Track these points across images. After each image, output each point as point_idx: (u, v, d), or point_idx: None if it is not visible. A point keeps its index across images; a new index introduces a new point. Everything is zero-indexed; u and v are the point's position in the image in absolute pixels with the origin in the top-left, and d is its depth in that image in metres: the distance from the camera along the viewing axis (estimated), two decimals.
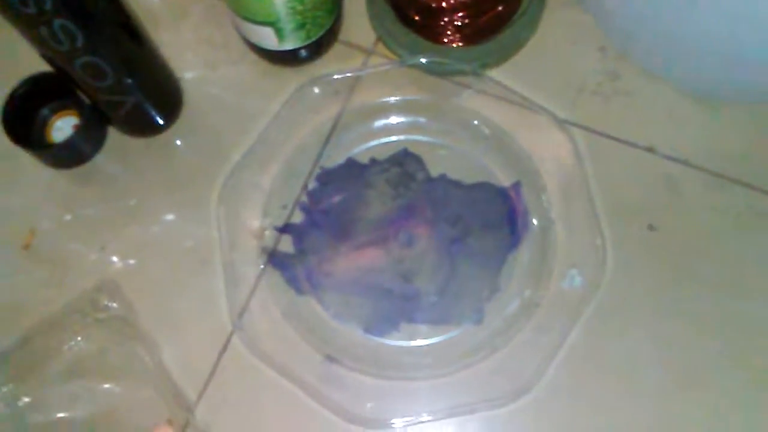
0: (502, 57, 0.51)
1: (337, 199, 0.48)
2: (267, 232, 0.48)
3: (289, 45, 0.48)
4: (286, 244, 0.49)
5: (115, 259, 0.49)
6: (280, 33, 0.47)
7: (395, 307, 0.46)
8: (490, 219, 0.47)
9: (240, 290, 0.46)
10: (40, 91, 0.49)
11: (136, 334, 0.46)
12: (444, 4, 0.46)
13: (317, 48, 0.51)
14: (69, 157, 0.50)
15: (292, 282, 0.47)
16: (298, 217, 0.49)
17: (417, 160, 0.49)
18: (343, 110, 0.50)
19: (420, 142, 0.50)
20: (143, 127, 0.51)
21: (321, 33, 0.49)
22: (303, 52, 0.50)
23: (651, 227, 0.47)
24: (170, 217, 0.50)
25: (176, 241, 0.49)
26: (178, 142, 0.52)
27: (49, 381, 0.45)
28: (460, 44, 0.50)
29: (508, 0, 0.49)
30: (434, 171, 0.49)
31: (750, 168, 0.48)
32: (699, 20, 0.44)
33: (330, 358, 0.45)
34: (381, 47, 0.52)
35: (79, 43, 0.39)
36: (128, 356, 0.46)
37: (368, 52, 0.53)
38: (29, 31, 0.38)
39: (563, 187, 0.47)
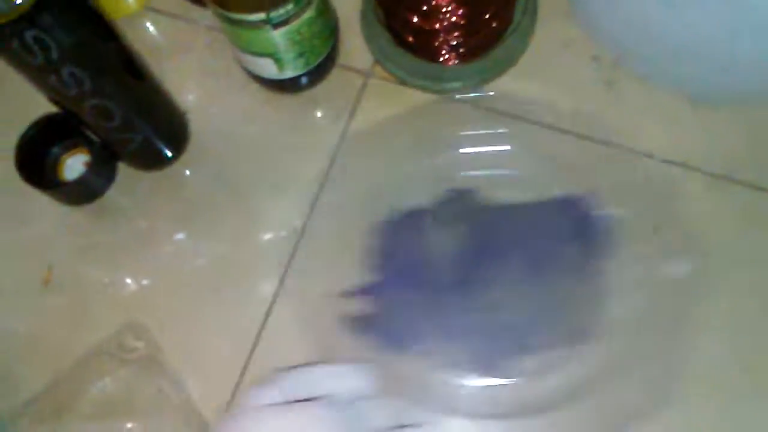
0: (497, 72, 0.52)
1: (403, 251, 0.48)
2: (344, 299, 0.47)
3: (289, 73, 0.49)
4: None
5: (133, 288, 0.51)
6: (279, 63, 0.48)
7: (501, 343, 0.45)
8: (563, 232, 0.47)
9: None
10: (50, 132, 0.51)
11: (162, 372, 0.47)
12: (437, 26, 0.47)
13: (317, 74, 0.52)
14: (81, 193, 0.52)
15: (389, 343, 0.46)
16: (369, 277, 0.48)
17: (470, 192, 0.49)
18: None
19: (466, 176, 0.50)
20: (152, 161, 0.52)
21: (320, 59, 0.50)
22: (303, 79, 0.51)
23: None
24: (185, 245, 0.52)
25: (191, 271, 0.51)
26: (187, 173, 0.53)
27: (78, 422, 0.46)
28: (456, 62, 0.51)
29: (500, 16, 0.50)
30: (490, 198, 0.48)
31: (750, 167, 0.48)
32: (688, 26, 0.45)
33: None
34: (379, 69, 0.54)
35: (87, 87, 0.41)
36: (155, 394, 0.47)
37: (366, 75, 0.54)
38: (38, 79, 0.40)
39: None
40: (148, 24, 0.58)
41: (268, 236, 0.51)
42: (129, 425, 0.46)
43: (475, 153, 0.50)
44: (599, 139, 0.50)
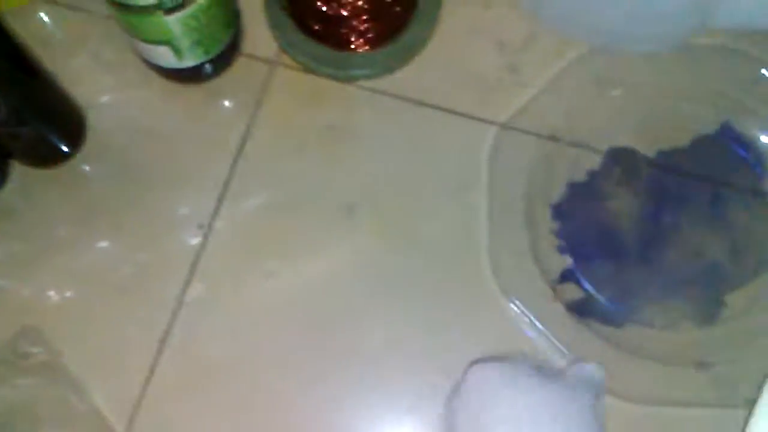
0: (404, 59, 0.51)
1: (587, 225, 0.48)
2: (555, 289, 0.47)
3: (189, 62, 0.48)
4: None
5: (29, 293, 0.48)
6: (177, 51, 0.46)
7: (710, 286, 0.46)
8: (728, 164, 0.48)
9: None
10: None
11: (64, 379, 0.45)
12: (341, 11, 0.46)
13: (220, 62, 0.50)
14: None
15: (608, 320, 0.46)
16: (564, 263, 0.47)
17: (627, 150, 0.49)
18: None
19: None
20: (46, 157, 0.50)
21: (221, 48, 0.49)
22: (206, 68, 0.50)
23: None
24: (85, 245, 0.49)
25: (92, 273, 0.48)
26: (87, 169, 0.51)
27: None
28: (363, 49, 0.51)
29: (404, 1, 0.49)
30: (646, 151, 0.49)
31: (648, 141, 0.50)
32: None
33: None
34: (285, 58, 0.52)
35: None
36: (58, 402, 0.45)
37: (273, 64, 0.53)
38: None
39: None
40: (42, 15, 0.55)
41: (173, 234, 0.50)
42: None
43: None
44: (501, 123, 0.50)
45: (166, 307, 0.47)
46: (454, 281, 0.47)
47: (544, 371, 0.42)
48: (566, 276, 0.47)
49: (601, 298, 0.47)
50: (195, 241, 0.49)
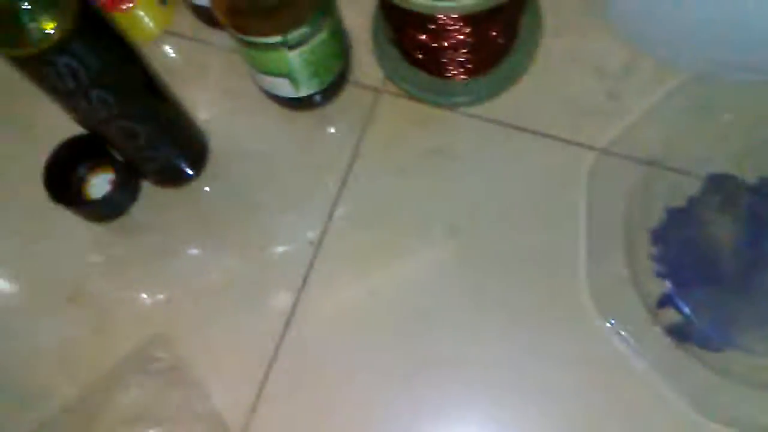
0: (504, 86, 0.54)
1: (686, 251, 0.48)
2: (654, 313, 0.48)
3: (304, 92, 0.52)
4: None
5: (156, 302, 0.53)
6: (295, 82, 0.50)
7: None
8: None
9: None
10: (76, 152, 0.53)
11: (186, 382, 0.49)
12: (445, 43, 0.49)
13: (330, 91, 0.54)
14: (106, 211, 0.54)
15: (707, 345, 0.46)
16: (661, 286, 0.48)
17: (727, 177, 0.49)
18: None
19: None
20: (174, 179, 0.54)
21: (333, 78, 0.52)
22: (317, 97, 0.53)
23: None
24: (204, 260, 0.54)
25: (210, 284, 0.52)
26: (207, 189, 0.56)
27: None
28: (464, 77, 0.53)
29: (506, 33, 0.52)
30: (746, 177, 0.49)
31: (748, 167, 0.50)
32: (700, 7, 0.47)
33: None
34: (389, 85, 0.56)
35: (114, 109, 0.43)
36: (181, 404, 0.49)
37: (378, 91, 0.56)
38: (68, 103, 0.42)
39: None
40: (168, 47, 0.60)
41: (284, 250, 0.53)
42: None
43: None
44: (601, 148, 0.52)
45: (280, 316, 0.51)
46: (552, 304, 0.49)
47: None
48: (665, 301, 0.48)
49: (699, 324, 0.47)
50: (305, 257, 0.52)
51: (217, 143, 0.56)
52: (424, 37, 0.50)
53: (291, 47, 0.46)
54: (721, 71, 0.51)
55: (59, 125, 0.48)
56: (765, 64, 0.50)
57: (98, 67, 0.40)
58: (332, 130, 0.56)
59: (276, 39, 0.45)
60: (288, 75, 0.49)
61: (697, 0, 0.47)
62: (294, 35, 0.45)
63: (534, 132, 0.53)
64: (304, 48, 0.47)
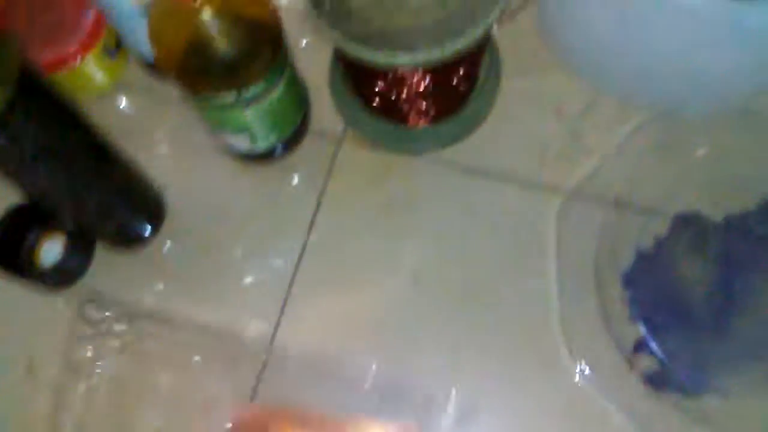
0: (466, 131, 0.53)
1: (658, 293, 0.47)
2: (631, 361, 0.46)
3: (262, 146, 0.50)
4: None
5: (114, 371, 0.50)
6: (252, 137, 0.49)
7: None
8: None
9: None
10: (25, 219, 0.50)
11: None
12: (404, 94, 0.48)
13: (290, 142, 0.53)
14: (60, 278, 0.51)
15: (685, 390, 0.46)
16: (636, 332, 0.47)
17: (694, 215, 0.49)
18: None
19: None
20: (130, 241, 0.52)
21: (293, 129, 0.51)
22: (277, 149, 0.52)
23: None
24: (169, 319, 0.51)
25: (175, 345, 0.50)
26: (166, 248, 0.53)
27: None
28: (426, 125, 0.52)
29: (467, 79, 0.51)
30: (713, 215, 0.49)
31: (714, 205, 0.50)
32: (653, 44, 0.47)
33: None
34: (350, 134, 0.54)
35: (61, 180, 0.41)
36: None
37: (339, 140, 0.55)
38: (12, 176, 0.40)
39: None
40: (119, 101, 0.58)
41: (250, 308, 0.51)
42: None
43: None
44: (566, 191, 0.51)
45: (252, 372, 0.49)
46: (524, 351, 0.48)
47: None
48: (640, 346, 0.47)
49: (675, 368, 0.46)
50: (271, 311, 0.50)
51: (175, 199, 0.54)
52: (382, 86, 0.49)
53: (247, 103, 0.45)
54: (680, 108, 0.50)
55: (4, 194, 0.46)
56: (726, 97, 0.50)
57: (43, 139, 0.38)
58: (294, 182, 0.55)
59: (230, 97, 0.44)
60: (244, 130, 0.48)
61: (650, 39, 0.47)
62: (249, 92, 0.44)
63: (498, 176, 0.52)
64: (261, 103, 0.45)
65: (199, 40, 0.41)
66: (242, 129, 0.47)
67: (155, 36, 0.42)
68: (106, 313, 0.51)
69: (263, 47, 0.43)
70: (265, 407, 0.46)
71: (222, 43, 0.41)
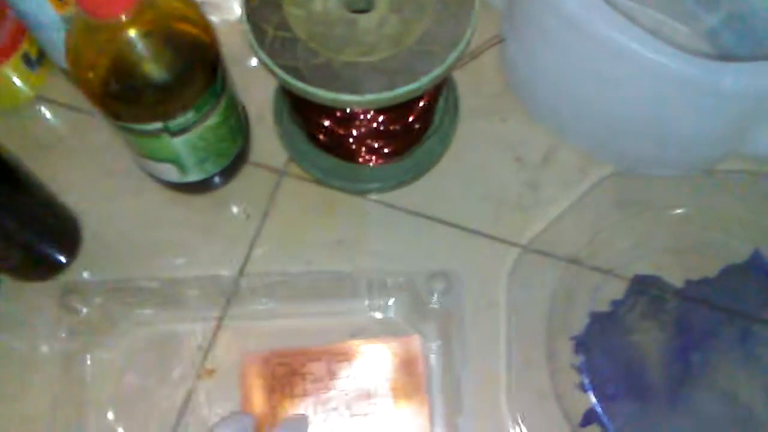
0: (418, 172, 0.49)
1: (610, 361, 0.45)
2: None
3: (193, 177, 0.45)
4: None
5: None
6: (181, 168, 0.44)
7: (742, 430, 0.43)
8: (759, 297, 0.46)
9: None
10: None
11: None
12: (354, 132, 0.44)
13: (227, 173, 0.48)
14: None
15: None
16: (587, 402, 0.44)
17: (652, 278, 0.46)
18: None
19: None
20: (41, 271, 0.47)
21: (227, 162, 0.46)
22: (212, 180, 0.47)
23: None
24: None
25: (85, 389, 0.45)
26: (85, 276, 0.48)
27: None
28: (376, 163, 0.48)
29: (422, 118, 0.47)
30: (672, 279, 0.46)
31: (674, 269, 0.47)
32: (621, 102, 0.44)
33: None
34: (293, 167, 0.50)
35: None
36: None
37: (280, 173, 0.50)
38: None
39: None
40: (40, 115, 0.53)
41: (178, 344, 0.46)
42: None
43: None
44: (522, 244, 0.48)
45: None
46: (468, 420, 0.44)
47: None
48: (589, 417, 0.44)
49: None
50: (201, 344, 0.46)
51: (96, 226, 0.49)
52: (329, 123, 0.45)
53: (174, 134, 0.40)
54: (646, 166, 0.48)
55: None
56: (692, 160, 0.47)
57: None
58: (231, 213, 0.50)
59: (156, 126, 0.39)
60: (173, 161, 0.43)
61: (617, 94, 0.44)
62: (177, 122, 0.39)
63: (449, 224, 0.49)
64: (191, 134, 0.41)
65: (122, 63, 0.37)
66: (169, 159, 0.43)
67: (73, 55, 0.37)
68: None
69: (196, 72, 0.39)
70: (269, 351, 0.44)
71: (148, 67, 0.37)
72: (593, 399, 0.44)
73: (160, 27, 0.36)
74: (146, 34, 0.36)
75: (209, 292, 0.46)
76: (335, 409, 0.43)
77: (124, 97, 0.38)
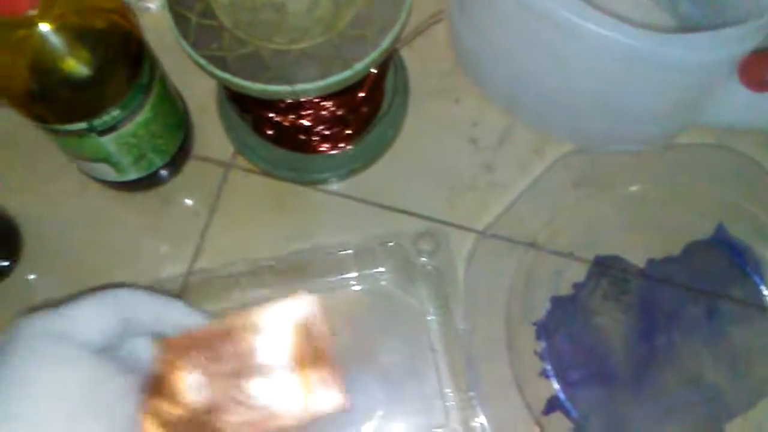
0: (370, 159, 0.47)
1: (573, 346, 0.43)
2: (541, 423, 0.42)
3: (131, 176, 0.43)
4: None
5: None
6: (116, 167, 0.42)
7: (710, 414, 0.42)
8: (724, 274, 0.45)
9: None
10: None
11: None
12: (304, 122, 0.42)
13: (168, 170, 0.46)
14: None
15: None
16: (550, 389, 0.43)
17: (614, 259, 0.45)
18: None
19: None
20: None
21: (167, 158, 0.44)
22: (156, 176, 0.45)
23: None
24: None
25: None
26: (32, 277, 0.47)
27: None
28: (324, 151, 0.46)
29: (369, 100, 0.45)
30: (634, 259, 0.45)
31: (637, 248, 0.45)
32: (574, 80, 0.42)
33: None
34: (241, 159, 0.48)
35: None
36: None
37: (227, 166, 0.48)
38: None
39: None
40: None
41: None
42: None
43: None
44: (477, 229, 0.46)
45: None
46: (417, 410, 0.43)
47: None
48: (553, 405, 0.43)
49: (591, 430, 0.42)
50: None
51: (39, 228, 0.47)
52: (272, 115, 0.43)
53: (101, 132, 0.38)
54: (602, 143, 0.46)
55: None
56: (649, 134, 0.46)
57: None
58: (177, 209, 0.48)
59: (80, 126, 0.37)
60: (106, 161, 0.41)
61: (567, 70, 0.42)
62: (103, 120, 0.37)
63: (403, 211, 0.47)
64: (120, 132, 0.39)
65: (35, 61, 0.34)
66: (102, 159, 0.41)
67: None
68: None
69: (118, 65, 0.36)
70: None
71: (64, 63, 0.35)
72: (556, 386, 0.43)
73: (72, 19, 0.34)
74: (58, 29, 0.33)
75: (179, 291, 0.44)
76: (239, 389, 0.35)
77: (42, 97, 0.36)
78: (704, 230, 0.46)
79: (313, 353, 0.35)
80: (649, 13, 0.50)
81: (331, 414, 0.35)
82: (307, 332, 0.36)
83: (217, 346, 0.35)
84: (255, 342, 0.35)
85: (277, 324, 0.36)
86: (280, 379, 0.35)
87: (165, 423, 0.34)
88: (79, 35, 0.34)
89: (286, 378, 0.35)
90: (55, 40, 0.34)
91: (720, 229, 0.45)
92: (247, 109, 0.44)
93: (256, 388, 0.35)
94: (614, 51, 0.38)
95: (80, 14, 0.34)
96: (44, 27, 0.33)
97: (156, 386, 0.34)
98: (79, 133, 0.38)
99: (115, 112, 0.37)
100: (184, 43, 0.35)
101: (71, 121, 0.36)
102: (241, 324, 0.35)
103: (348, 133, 0.46)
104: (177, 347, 0.35)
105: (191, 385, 0.34)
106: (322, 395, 0.35)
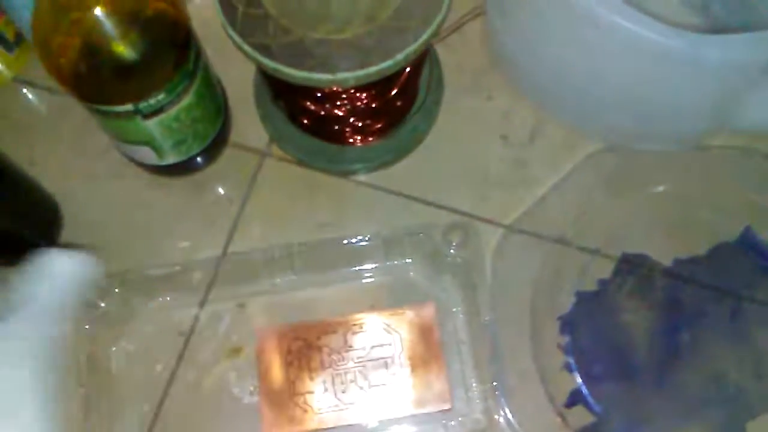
0: (403, 151, 0.48)
1: (597, 341, 0.44)
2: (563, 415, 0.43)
3: (170, 160, 0.45)
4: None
5: None
6: (158, 151, 0.43)
7: (732, 413, 0.42)
8: (750, 276, 0.45)
9: None
10: None
11: None
12: (335, 111, 0.43)
13: (205, 156, 0.47)
14: None
15: None
16: (572, 382, 0.43)
17: (640, 257, 0.45)
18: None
19: None
20: (18, 254, 0.46)
21: (206, 144, 0.46)
22: (193, 162, 0.47)
23: None
24: None
25: None
26: None
27: None
28: (359, 143, 0.47)
29: (404, 94, 0.46)
30: (661, 258, 0.45)
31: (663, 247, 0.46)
32: (606, 75, 0.43)
33: None
34: (276, 149, 0.49)
35: None
36: None
37: (262, 154, 0.50)
38: None
39: None
40: (19, 97, 0.52)
41: (164, 324, 0.46)
42: None
43: None
44: (506, 225, 0.47)
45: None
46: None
47: None
48: (575, 398, 0.43)
49: (613, 423, 0.43)
50: (174, 347, 0.45)
51: (77, 208, 0.49)
52: (310, 104, 0.44)
53: (146, 116, 0.39)
54: (633, 142, 0.47)
55: None
56: (680, 135, 0.46)
57: None
58: (212, 195, 0.49)
59: (126, 107, 0.38)
60: (148, 144, 0.42)
61: (602, 68, 0.42)
62: (148, 103, 0.38)
63: (433, 204, 0.48)
64: (164, 116, 0.40)
65: (88, 42, 0.36)
66: (144, 142, 0.42)
67: (39, 36, 0.36)
68: None
69: (166, 51, 0.38)
70: (283, 325, 0.44)
71: (115, 46, 0.36)
72: (579, 379, 0.44)
73: (124, 5, 0.35)
74: (111, 12, 0.35)
75: (215, 274, 0.45)
76: (353, 381, 0.43)
77: (92, 77, 0.37)
78: (731, 232, 0.46)
79: (428, 356, 0.43)
80: (677, 13, 0.50)
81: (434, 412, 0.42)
82: (424, 336, 0.43)
83: (348, 337, 0.43)
84: (380, 338, 0.43)
85: (402, 325, 0.44)
86: (396, 374, 0.43)
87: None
88: (130, 20, 0.36)
89: (401, 373, 0.43)
90: (107, 24, 0.35)
91: (747, 231, 0.46)
92: (282, 97, 0.45)
93: (375, 377, 0.43)
94: (649, 50, 0.38)
95: (132, 0, 0.36)
96: (98, 11, 0.35)
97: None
98: (125, 115, 0.39)
99: (161, 96, 0.38)
100: (231, 31, 0.36)
101: (118, 102, 0.38)
102: (371, 321, 0.44)
103: (380, 127, 0.47)
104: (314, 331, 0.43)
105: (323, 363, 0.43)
106: (430, 394, 0.42)
